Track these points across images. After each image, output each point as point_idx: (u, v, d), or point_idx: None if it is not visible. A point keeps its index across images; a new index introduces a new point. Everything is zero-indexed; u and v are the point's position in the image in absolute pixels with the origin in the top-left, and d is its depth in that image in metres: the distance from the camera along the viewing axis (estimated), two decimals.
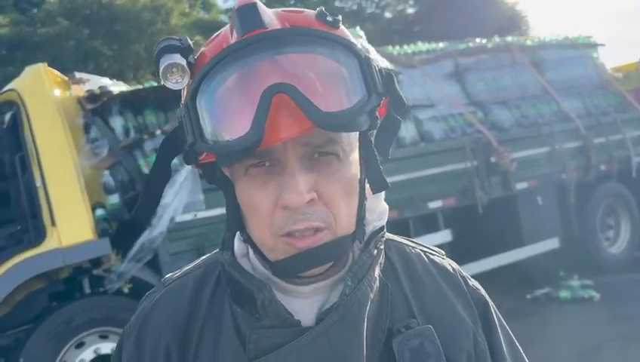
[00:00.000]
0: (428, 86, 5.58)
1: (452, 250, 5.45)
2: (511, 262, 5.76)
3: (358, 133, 0.74)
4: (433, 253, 0.90)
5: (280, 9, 0.73)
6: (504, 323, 0.88)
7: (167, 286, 0.85)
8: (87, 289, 4.17)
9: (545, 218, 5.91)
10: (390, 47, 5.91)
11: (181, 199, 4.02)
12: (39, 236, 3.90)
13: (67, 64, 12.70)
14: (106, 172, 4.18)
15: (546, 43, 6.85)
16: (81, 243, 3.93)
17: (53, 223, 3.89)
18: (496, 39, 6.62)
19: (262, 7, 0.70)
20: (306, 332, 0.72)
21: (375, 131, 0.76)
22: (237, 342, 0.76)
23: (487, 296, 0.88)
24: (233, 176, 0.75)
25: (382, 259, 0.80)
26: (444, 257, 0.90)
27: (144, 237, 3.91)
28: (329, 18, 0.71)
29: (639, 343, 4.47)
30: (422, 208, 5.19)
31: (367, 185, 0.78)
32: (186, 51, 0.72)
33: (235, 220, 0.76)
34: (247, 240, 0.77)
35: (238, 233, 0.80)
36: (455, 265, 0.90)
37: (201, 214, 4.11)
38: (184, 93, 0.74)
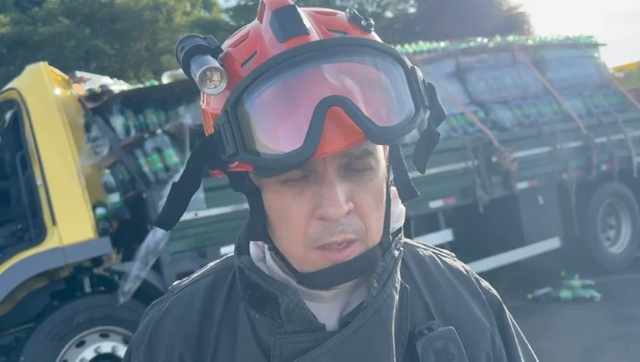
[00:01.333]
0: None
1: (453, 249, 5.38)
2: (512, 262, 5.75)
3: None
4: (445, 255, 0.90)
5: (311, 9, 0.71)
6: (516, 324, 0.89)
7: (176, 293, 0.83)
8: (87, 289, 4.18)
9: (546, 218, 5.90)
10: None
11: None
12: (40, 235, 3.92)
13: (68, 63, 12.73)
14: (107, 171, 4.18)
15: (547, 43, 6.83)
16: (81, 242, 3.94)
17: (54, 222, 3.90)
18: (498, 39, 6.60)
19: (299, 10, 0.67)
20: (331, 336, 0.70)
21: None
22: (257, 349, 0.74)
23: (499, 297, 0.88)
24: (262, 184, 0.71)
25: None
26: (456, 259, 0.90)
27: (149, 240, 3.90)
28: (363, 22, 0.69)
29: None
30: (423, 207, 5.18)
31: (392, 191, 0.77)
32: (215, 52, 0.69)
33: (261, 228, 0.73)
34: (272, 248, 0.75)
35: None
36: (467, 267, 0.90)
37: (202, 213, 4.10)
38: (209, 98, 0.71)
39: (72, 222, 3.94)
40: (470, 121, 5.63)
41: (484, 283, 0.88)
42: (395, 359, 0.73)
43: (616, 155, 6.32)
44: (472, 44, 6.31)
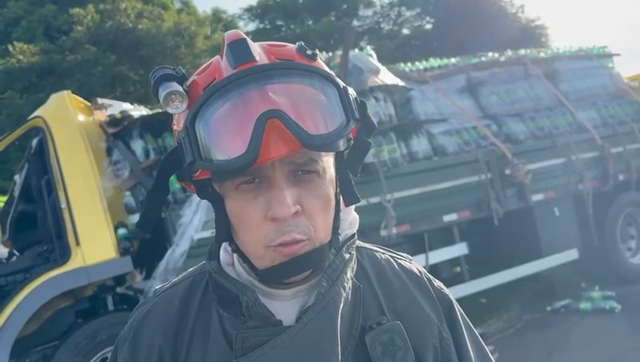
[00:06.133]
0: (440, 100, 5.63)
1: (469, 262, 5.46)
2: (530, 274, 5.74)
3: (334, 153, 0.84)
4: (401, 257, 0.99)
5: (265, 43, 0.83)
6: (468, 321, 0.97)
7: (157, 296, 0.93)
8: (110, 307, 4.32)
9: (563, 229, 5.86)
10: (402, 64, 6.01)
11: (199, 217, 4.15)
12: (65, 255, 4.07)
13: (95, 89, 13.10)
14: (128, 193, 4.33)
15: (559, 55, 6.85)
16: (104, 261, 4.09)
17: (77, 243, 4.05)
18: (509, 52, 6.65)
19: (250, 42, 0.80)
20: (285, 331, 0.79)
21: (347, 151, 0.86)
22: (224, 344, 0.83)
23: (451, 296, 0.96)
24: (223, 192, 0.82)
25: (354, 264, 0.89)
26: (412, 261, 0.99)
27: (167, 257, 4.02)
28: (308, 52, 0.81)
29: None
30: (437, 221, 5.22)
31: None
32: (180, 79, 0.81)
33: (224, 232, 0.84)
34: (236, 250, 0.85)
35: (224, 245, 0.89)
36: (421, 268, 0.98)
37: None
38: (178, 118, 0.82)
39: (94, 243, 4.09)
40: (483, 134, 5.65)
41: (437, 283, 0.97)
42: (339, 349, 0.81)
43: (633, 164, 6.27)
44: (483, 58, 6.37)
